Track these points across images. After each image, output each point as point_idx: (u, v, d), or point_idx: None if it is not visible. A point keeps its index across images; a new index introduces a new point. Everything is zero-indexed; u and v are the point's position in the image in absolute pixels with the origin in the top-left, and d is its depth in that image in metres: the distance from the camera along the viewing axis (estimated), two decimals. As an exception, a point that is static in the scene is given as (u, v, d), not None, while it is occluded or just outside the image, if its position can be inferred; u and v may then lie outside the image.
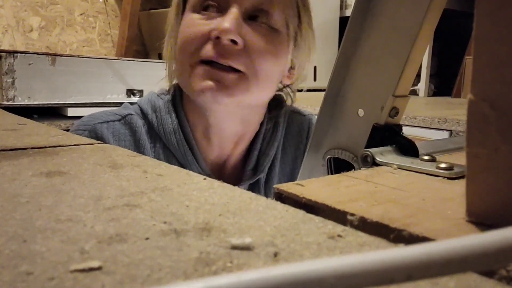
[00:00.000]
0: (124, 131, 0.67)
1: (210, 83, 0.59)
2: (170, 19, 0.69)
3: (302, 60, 0.69)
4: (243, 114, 0.67)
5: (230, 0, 0.60)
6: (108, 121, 0.67)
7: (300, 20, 0.64)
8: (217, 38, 0.58)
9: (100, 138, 0.65)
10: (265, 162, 0.72)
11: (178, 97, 0.69)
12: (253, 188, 0.73)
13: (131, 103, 0.73)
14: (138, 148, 0.66)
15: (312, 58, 0.70)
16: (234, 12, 0.59)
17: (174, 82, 0.72)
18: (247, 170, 0.72)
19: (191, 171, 0.67)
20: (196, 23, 0.61)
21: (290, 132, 0.78)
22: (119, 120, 0.68)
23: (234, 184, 0.73)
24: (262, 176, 0.73)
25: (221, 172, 0.72)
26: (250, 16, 0.61)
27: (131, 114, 0.69)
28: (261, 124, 0.73)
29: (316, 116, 0.80)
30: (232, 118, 0.67)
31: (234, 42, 0.58)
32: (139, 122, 0.68)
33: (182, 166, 0.67)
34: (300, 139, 0.79)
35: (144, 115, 0.69)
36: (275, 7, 0.61)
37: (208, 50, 0.59)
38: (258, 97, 0.64)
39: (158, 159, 0.66)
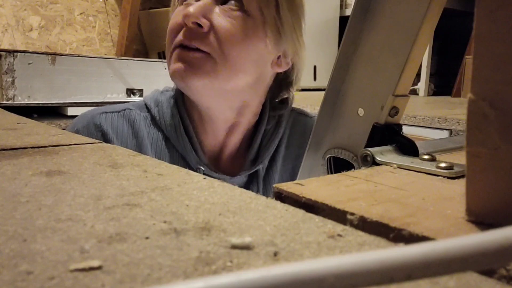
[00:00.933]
0: (122, 122, 0.70)
1: (179, 64, 0.63)
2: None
3: (291, 47, 0.68)
4: (228, 100, 0.68)
5: None
6: (106, 112, 0.70)
7: (277, 4, 0.64)
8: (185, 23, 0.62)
9: (98, 127, 0.67)
10: (265, 155, 0.74)
11: (178, 91, 0.72)
12: (252, 179, 0.74)
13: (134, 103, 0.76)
14: (136, 139, 0.69)
15: (302, 44, 0.70)
16: None
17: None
18: (247, 161, 0.74)
19: (190, 161, 0.68)
20: (176, 13, 0.65)
21: (295, 132, 0.80)
22: (118, 112, 0.71)
23: (232, 174, 0.73)
24: (261, 167, 0.74)
25: (218, 161, 0.74)
26: (224, 1, 0.63)
27: (130, 109, 0.71)
28: (262, 118, 0.75)
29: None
30: (219, 105, 0.68)
31: (199, 25, 0.62)
32: (137, 116, 0.71)
33: (182, 156, 0.69)
34: (303, 139, 0.80)
35: (148, 109, 0.72)
36: None
37: (179, 36, 0.63)
38: (230, 80, 0.65)
39: (160, 150, 0.68)
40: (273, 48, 0.66)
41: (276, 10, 0.64)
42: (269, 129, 0.76)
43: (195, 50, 0.62)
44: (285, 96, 0.78)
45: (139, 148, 0.68)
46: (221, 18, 0.62)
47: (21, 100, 1.39)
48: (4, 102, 1.35)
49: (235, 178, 0.72)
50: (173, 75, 0.64)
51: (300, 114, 0.83)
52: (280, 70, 0.71)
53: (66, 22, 2.35)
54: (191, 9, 0.61)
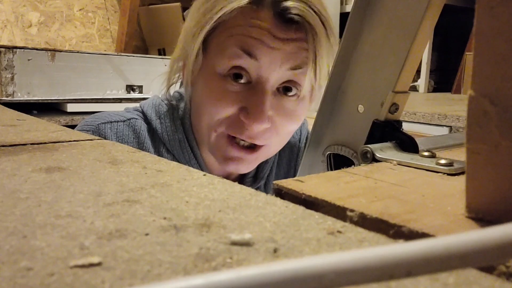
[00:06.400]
0: (128, 133, 0.67)
1: (233, 159, 0.61)
2: (192, 27, 0.62)
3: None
4: None
5: (263, 76, 0.58)
6: (111, 122, 0.67)
7: (316, 78, 0.61)
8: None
9: (103, 138, 0.64)
10: (265, 169, 0.73)
11: (186, 111, 0.68)
12: None
13: (134, 108, 0.73)
14: (142, 150, 0.66)
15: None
16: (266, 93, 0.57)
17: (175, 85, 0.71)
18: (247, 178, 0.72)
19: None
20: (224, 92, 0.59)
21: (283, 149, 0.79)
22: (123, 121, 0.68)
23: None
24: (262, 183, 0.74)
25: (221, 176, 0.72)
26: (278, 88, 0.60)
27: (135, 118, 0.69)
28: None
29: (307, 119, 0.80)
30: None
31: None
32: (143, 126, 0.68)
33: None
34: (294, 141, 0.79)
35: (147, 119, 0.69)
36: (305, 77, 0.59)
37: (236, 130, 0.59)
38: (279, 148, 0.66)
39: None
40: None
41: (313, 84, 0.62)
42: None
43: (251, 147, 0.61)
44: None
45: None
46: (281, 112, 0.60)
47: (21, 96, 1.39)
48: (4, 98, 1.35)
49: None
50: (225, 164, 0.62)
51: None
52: None
53: (66, 18, 2.35)
54: (260, 116, 0.57)
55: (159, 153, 0.67)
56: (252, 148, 0.61)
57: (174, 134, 0.67)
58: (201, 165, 0.68)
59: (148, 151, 0.66)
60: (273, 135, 0.61)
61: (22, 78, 1.38)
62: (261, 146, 0.61)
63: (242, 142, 0.61)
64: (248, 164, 0.63)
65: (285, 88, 0.60)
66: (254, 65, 0.57)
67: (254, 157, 0.62)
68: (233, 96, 0.59)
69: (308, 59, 0.58)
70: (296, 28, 0.57)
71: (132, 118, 0.68)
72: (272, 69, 0.57)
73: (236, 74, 0.58)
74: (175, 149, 0.67)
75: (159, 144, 0.67)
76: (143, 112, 0.70)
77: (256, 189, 0.74)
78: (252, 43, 0.56)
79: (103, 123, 0.67)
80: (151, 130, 0.68)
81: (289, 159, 0.79)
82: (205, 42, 0.60)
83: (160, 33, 2.34)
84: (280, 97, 0.60)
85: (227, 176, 0.72)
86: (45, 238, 0.21)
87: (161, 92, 0.73)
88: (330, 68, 0.52)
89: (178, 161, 0.66)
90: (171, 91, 0.72)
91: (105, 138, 0.63)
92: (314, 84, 0.61)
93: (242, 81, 0.59)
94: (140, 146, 0.67)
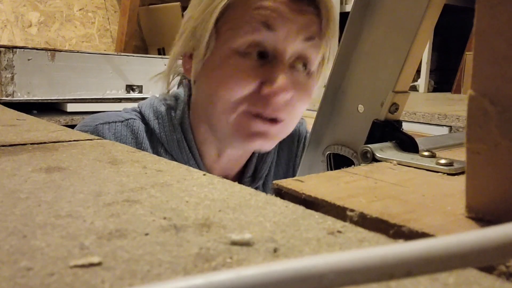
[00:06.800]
0: (126, 133, 0.67)
1: (259, 134, 0.61)
2: (193, 22, 0.63)
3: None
4: None
5: (280, 48, 0.59)
6: (109, 122, 0.67)
7: (327, 49, 0.64)
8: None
9: (102, 138, 0.65)
10: (263, 169, 0.73)
11: (185, 111, 0.68)
12: None
13: (132, 109, 0.73)
14: (141, 149, 0.66)
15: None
16: (283, 65, 0.59)
17: (175, 85, 0.72)
18: (246, 177, 0.73)
19: None
20: (244, 69, 0.59)
21: (282, 148, 0.79)
22: (121, 121, 0.68)
23: None
24: (261, 184, 0.74)
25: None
26: (292, 64, 0.61)
27: (133, 119, 0.69)
28: None
29: (305, 118, 0.81)
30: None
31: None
32: (141, 126, 0.68)
33: None
34: (292, 141, 0.79)
35: (145, 120, 0.69)
36: (316, 50, 0.61)
37: (259, 105, 0.59)
38: (287, 133, 0.67)
39: None
40: None
41: (321, 62, 0.65)
42: None
43: (273, 120, 0.61)
44: None
45: None
46: (297, 86, 0.61)
47: (21, 96, 1.39)
48: (4, 98, 1.35)
49: None
50: (251, 142, 0.62)
51: None
52: None
53: (66, 18, 2.35)
54: (281, 83, 0.58)
55: (157, 154, 0.67)
56: (274, 121, 0.62)
57: (172, 134, 0.67)
58: (199, 166, 0.68)
59: (147, 152, 0.66)
60: (292, 109, 0.62)
61: (22, 78, 1.38)
62: (281, 121, 0.62)
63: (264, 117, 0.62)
64: (271, 139, 0.63)
65: (297, 63, 0.62)
66: (271, 38, 0.58)
67: (277, 131, 0.62)
68: (252, 72, 0.59)
69: (320, 31, 0.61)
70: (308, 1, 0.60)
71: (130, 119, 0.68)
72: (289, 40, 0.58)
73: (255, 49, 0.59)
74: (173, 149, 0.67)
75: (157, 145, 0.67)
76: (141, 113, 0.70)
77: (255, 189, 0.75)
78: (270, 15, 0.58)
79: (101, 123, 0.67)
80: (149, 130, 0.68)
81: (287, 159, 0.79)
82: (216, 26, 0.61)
83: (160, 33, 2.34)
84: (294, 71, 0.61)
85: (226, 177, 0.71)
86: (45, 238, 0.21)
87: (159, 92, 0.73)
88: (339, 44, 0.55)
89: (176, 161, 0.66)
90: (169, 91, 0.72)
91: (103, 138, 0.63)
92: (325, 55, 0.63)
93: (260, 56, 0.60)
94: (139, 146, 0.66)
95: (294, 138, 0.80)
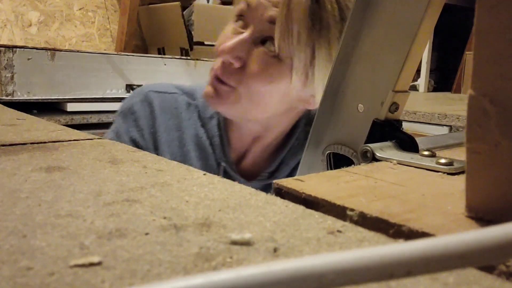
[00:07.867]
0: (170, 105, 0.76)
1: (210, 89, 0.68)
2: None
3: (321, 89, 0.69)
4: (252, 121, 0.72)
5: (250, 21, 0.65)
6: (160, 92, 0.76)
7: (314, 56, 0.65)
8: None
9: (150, 103, 0.75)
10: (283, 170, 0.76)
11: None
12: (267, 188, 0.75)
13: (178, 86, 0.81)
14: (178, 121, 0.75)
15: None
16: (244, 35, 0.65)
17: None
18: (264, 171, 0.76)
19: (216, 155, 0.72)
20: (225, 35, 0.67)
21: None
22: (169, 93, 0.77)
23: (249, 179, 0.74)
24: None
25: (239, 163, 0.76)
26: (262, 40, 0.65)
27: (177, 93, 0.77)
28: (293, 133, 0.76)
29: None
30: (243, 121, 0.73)
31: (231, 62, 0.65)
32: (182, 102, 0.76)
33: (212, 146, 0.74)
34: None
35: (193, 98, 0.77)
36: (282, 38, 0.63)
37: (218, 64, 0.67)
38: (252, 112, 0.69)
39: (197, 135, 0.74)
40: (301, 90, 0.68)
41: (311, 61, 0.65)
42: (296, 144, 0.76)
43: (224, 83, 0.66)
44: None
45: (178, 128, 0.74)
46: (254, 61, 0.64)
47: (21, 95, 1.39)
48: (4, 97, 1.35)
49: (251, 182, 0.73)
50: (204, 97, 0.69)
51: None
52: (310, 107, 0.72)
53: (65, 17, 2.35)
54: (229, 45, 0.64)
55: (194, 128, 0.75)
56: (224, 83, 0.67)
57: (211, 112, 0.74)
58: (223, 146, 0.73)
59: (183, 124, 0.75)
60: (242, 79, 0.65)
61: (22, 77, 1.38)
62: (231, 86, 0.66)
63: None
64: (221, 99, 0.67)
65: (269, 44, 0.65)
66: (247, 11, 0.65)
67: (225, 93, 0.66)
68: (228, 36, 0.66)
69: (285, 16, 0.64)
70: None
71: (175, 93, 0.77)
72: (256, 13, 0.64)
73: (239, 19, 0.66)
74: (210, 126, 0.74)
75: (195, 118, 0.75)
76: (188, 92, 0.78)
77: (268, 185, 0.76)
78: None
79: (152, 91, 0.76)
80: (192, 106, 0.76)
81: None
82: None
83: (160, 32, 2.34)
84: (258, 47, 0.65)
85: (244, 161, 0.77)
86: (45, 238, 0.21)
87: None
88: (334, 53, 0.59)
89: (208, 138, 0.74)
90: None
91: (151, 104, 0.75)
92: (295, 55, 0.64)
93: (240, 24, 0.67)
94: (179, 118, 0.75)
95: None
